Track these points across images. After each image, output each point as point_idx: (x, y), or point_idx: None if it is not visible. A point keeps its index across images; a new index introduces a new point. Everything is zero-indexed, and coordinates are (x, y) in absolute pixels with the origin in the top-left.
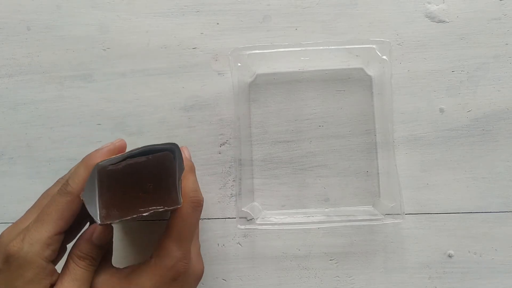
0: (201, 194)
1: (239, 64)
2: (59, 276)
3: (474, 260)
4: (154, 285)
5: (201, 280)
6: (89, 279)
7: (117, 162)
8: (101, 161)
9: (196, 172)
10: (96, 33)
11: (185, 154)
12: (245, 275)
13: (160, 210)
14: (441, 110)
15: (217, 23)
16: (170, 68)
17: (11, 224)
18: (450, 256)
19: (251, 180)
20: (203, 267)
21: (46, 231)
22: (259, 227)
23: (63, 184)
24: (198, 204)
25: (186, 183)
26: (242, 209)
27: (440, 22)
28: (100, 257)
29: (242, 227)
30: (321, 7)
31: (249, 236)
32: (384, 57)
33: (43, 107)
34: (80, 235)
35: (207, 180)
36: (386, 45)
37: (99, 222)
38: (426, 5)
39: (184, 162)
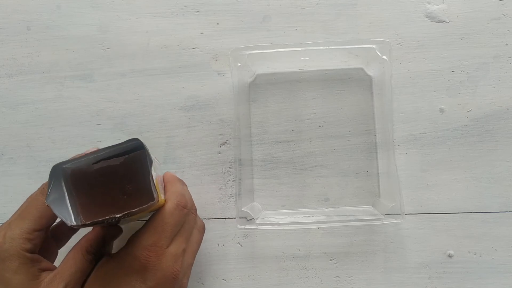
0: (193, 203)
1: (239, 64)
2: (63, 263)
3: (474, 260)
4: (116, 273)
5: (201, 280)
6: (88, 272)
7: (90, 164)
8: (65, 162)
9: (196, 172)
10: (96, 33)
11: (169, 175)
12: (245, 275)
13: (136, 210)
14: (441, 110)
15: (217, 23)
16: (170, 68)
17: None
18: (450, 256)
19: (251, 180)
20: (179, 273)
21: (27, 227)
22: (259, 227)
23: (44, 183)
24: (182, 205)
25: (172, 188)
26: (242, 209)
27: (440, 22)
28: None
29: (242, 227)
30: (321, 7)
31: (249, 236)
32: (384, 57)
33: (43, 107)
34: (92, 232)
35: (207, 180)
36: (386, 45)
37: (74, 223)
38: (426, 5)
39: (173, 178)
